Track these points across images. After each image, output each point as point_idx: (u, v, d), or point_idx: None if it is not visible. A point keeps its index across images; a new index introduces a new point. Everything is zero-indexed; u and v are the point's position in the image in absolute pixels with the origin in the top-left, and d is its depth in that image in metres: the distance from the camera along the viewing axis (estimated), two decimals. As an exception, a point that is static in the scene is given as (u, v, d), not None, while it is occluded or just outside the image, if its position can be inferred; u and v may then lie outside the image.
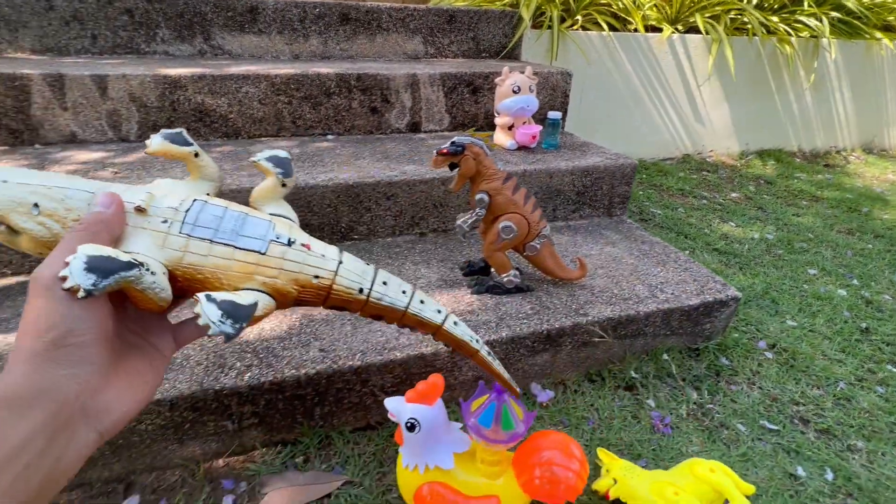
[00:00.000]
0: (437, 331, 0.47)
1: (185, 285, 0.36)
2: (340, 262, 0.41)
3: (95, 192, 0.33)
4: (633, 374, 0.87)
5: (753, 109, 2.17)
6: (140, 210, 0.34)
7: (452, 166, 0.79)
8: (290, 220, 0.42)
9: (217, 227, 0.36)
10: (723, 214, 1.63)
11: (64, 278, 0.27)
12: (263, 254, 0.37)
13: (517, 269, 0.92)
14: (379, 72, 1.26)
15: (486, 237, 0.83)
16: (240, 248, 0.36)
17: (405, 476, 0.60)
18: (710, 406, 0.83)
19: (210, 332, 0.32)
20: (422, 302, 0.45)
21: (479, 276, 0.90)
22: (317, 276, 0.39)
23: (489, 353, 0.52)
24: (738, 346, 0.95)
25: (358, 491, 0.66)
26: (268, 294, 0.37)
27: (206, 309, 0.33)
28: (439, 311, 0.47)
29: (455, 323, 0.48)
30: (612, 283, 0.91)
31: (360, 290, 0.41)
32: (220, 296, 0.34)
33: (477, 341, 0.50)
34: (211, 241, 0.35)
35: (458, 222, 0.82)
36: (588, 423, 0.78)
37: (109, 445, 0.63)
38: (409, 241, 1.05)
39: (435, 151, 0.77)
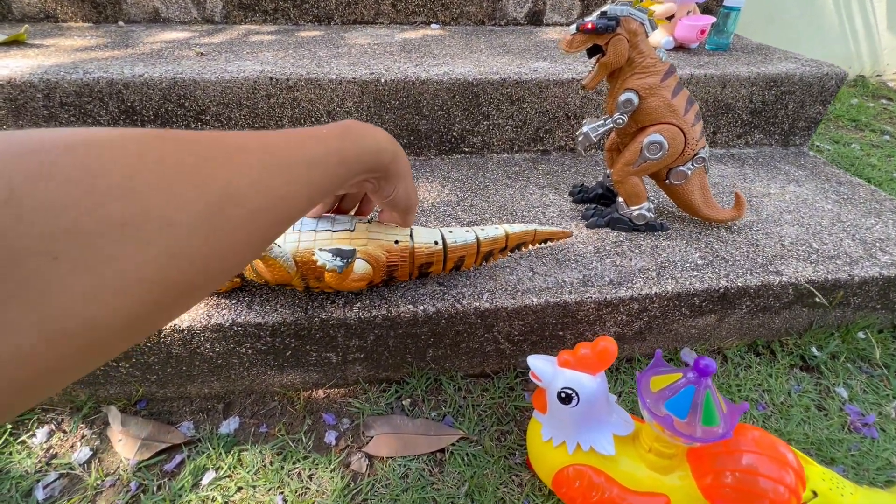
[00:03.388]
0: (506, 241, 0.57)
1: (304, 270, 0.49)
2: (412, 230, 0.53)
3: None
4: (815, 353, 0.68)
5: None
6: None
7: (593, 51, 0.56)
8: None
9: (315, 227, 0.50)
10: (916, 156, 1.26)
11: None
12: (352, 231, 0.49)
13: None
14: (502, -62, 0.99)
15: (623, 154, 0.62)
16: (335, 231, 0.49)
17: (544, 450, 0.49)
18: (928, 407, 0.63)
19: (327, 267, 0.45)
20: (483, 230, 0.56)
21: (596, 205, 0.71)
22: (397, 241, 0.51)
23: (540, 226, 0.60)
24: (964, 331, 0.72)
25: (475, 450, 0.56)
26: (364, 260, 0.50)
27: (319, 255, 0.45)
28: (497, 228, 0.57)
29: (510, 229, 0.58)
30: (806, 233, 0.69)
31: (436, 242, 0.54)
32: (327, 247, 0.47)
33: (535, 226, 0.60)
34: (314, 231, 0.49)
35: (585, 129, 0.60)
36: (758, 408, 0.62)
37: (208, 364, 0.57)
38: (530, 159, 0.86)
39: (574, 26, 0.55)
